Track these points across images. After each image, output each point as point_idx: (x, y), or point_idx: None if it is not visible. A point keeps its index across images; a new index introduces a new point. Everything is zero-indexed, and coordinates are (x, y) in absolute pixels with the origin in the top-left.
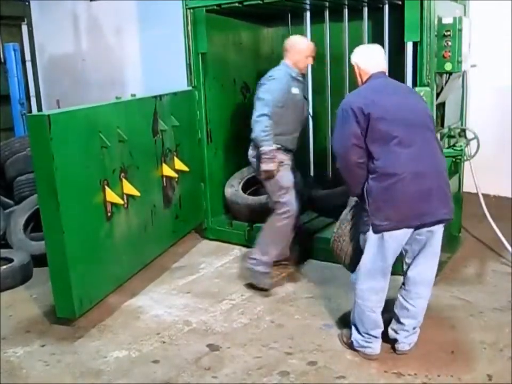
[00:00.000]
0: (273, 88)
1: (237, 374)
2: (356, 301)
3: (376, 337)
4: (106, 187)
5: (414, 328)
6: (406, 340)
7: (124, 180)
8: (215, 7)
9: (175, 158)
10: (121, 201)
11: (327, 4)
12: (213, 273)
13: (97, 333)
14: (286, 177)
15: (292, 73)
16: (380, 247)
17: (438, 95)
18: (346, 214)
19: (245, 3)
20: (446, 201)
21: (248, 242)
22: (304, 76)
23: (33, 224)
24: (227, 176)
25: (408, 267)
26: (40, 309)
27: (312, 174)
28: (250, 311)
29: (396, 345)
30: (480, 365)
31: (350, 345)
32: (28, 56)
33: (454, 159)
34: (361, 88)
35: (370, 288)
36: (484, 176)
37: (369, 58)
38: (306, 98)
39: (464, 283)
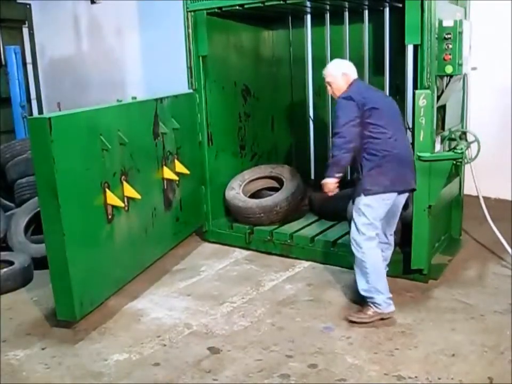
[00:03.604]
0: None
1: (237, 377)
2: (363, 265)
3: (381, 292)
4: (107, 189)
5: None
6: None
7: (124, 183)
8: (216, 10)
9: (176, 160)
10: (121, 204)
11: (327, 6)
12: (213, 275)
13: (97, 335)
14: None
15: None
16: (370, 206)
17: (438, 97)
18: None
19: (246, 6)
20: (413, 175)
21: (249, 245)
22: None
23: (34, 226)
24: (227, 179)
25: (385, 225)
26: (41, 312)
27: (312, 177)
28: (251, 313)
29: None
30: (481, 367)
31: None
32: (28, 59)
33: (454, 162)
34: (352, 89)
35: (367, 239)
36: (484, 179)
37: (349, 67)
38: None
39: (465, 285)
